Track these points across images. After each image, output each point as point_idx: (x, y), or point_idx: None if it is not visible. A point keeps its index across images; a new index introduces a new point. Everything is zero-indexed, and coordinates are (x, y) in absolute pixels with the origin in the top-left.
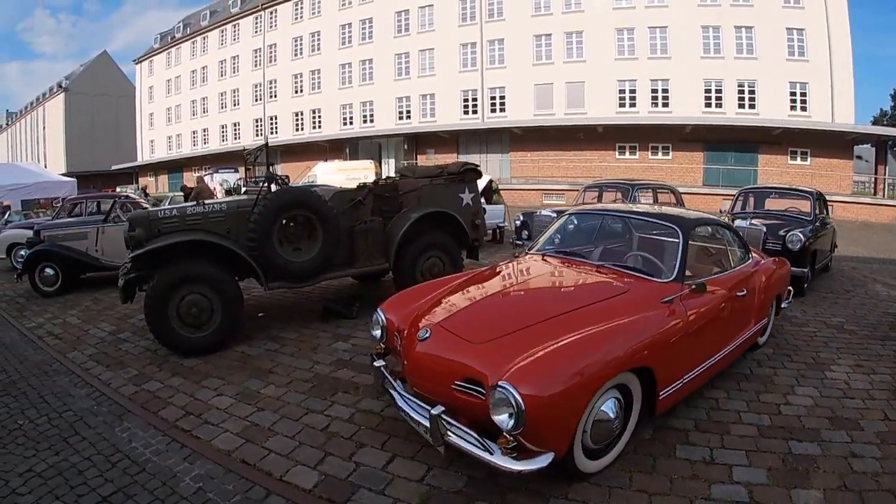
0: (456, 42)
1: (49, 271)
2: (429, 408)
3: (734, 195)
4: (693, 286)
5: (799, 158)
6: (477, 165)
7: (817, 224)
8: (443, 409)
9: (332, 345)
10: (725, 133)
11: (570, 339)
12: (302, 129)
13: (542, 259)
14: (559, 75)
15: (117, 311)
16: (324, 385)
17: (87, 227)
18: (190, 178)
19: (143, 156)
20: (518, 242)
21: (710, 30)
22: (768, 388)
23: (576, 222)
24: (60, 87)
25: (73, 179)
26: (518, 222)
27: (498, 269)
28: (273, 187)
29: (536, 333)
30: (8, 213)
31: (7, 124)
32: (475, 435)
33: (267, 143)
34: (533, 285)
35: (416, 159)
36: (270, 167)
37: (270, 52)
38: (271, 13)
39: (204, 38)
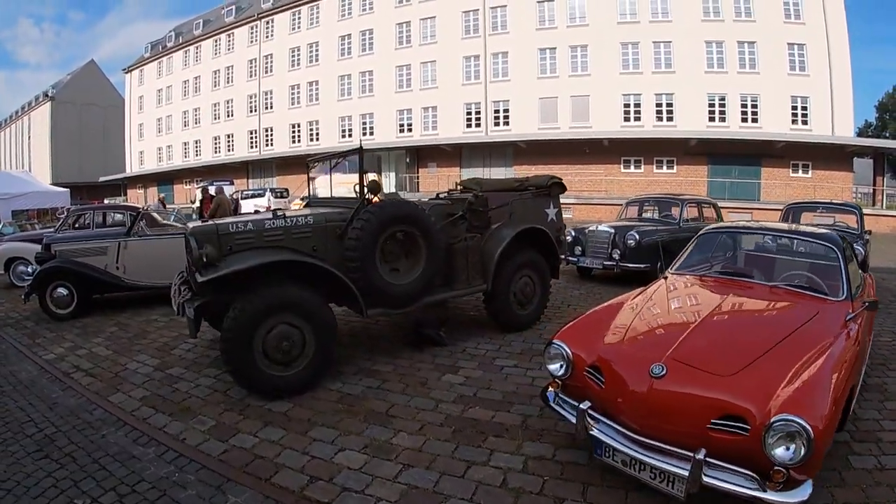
0: (459, 55)
1: (62, 291)
2: (687, 452)
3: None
4: (866, 303)
5: (801, 171)
6: (560, 179)
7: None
8: (705, 451)
9: (443, 378)
10: (729, 146)
11: (807, 365)
12: (299, 141)
13: (701, 280)
14: (564, 89)
15: (152, 340)
16: (466, 429)
17: (107, 241)
18: (181, 190)
19: (132, 167)
20: (572, 259)
21: (713, 45)
22: (887, 396)
23: (715, 240)
24: (47, 95)
25: (66, 190)
26: (569, 238)
27: (661, 291)
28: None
29: (775, 361)
30: (2, 224)
31: None
32: (751, 473)
33: (361, 148)
34: (726, 309)
35: (418, 173)
36: (365, 173)
37: (266, 63)
38: (267, 23)
39: (197, 48)
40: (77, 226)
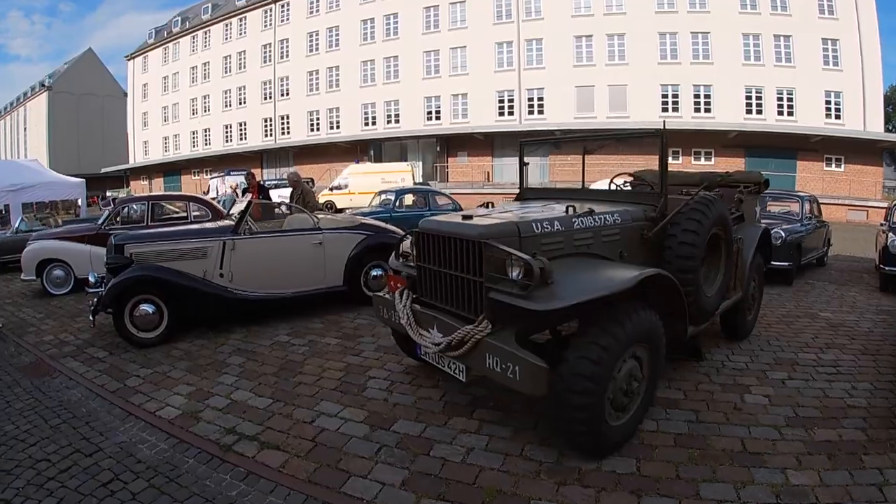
0: (491, 41)
1: (147, 308)
2: None
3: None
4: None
5: (834, 165)
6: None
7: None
8: None
9: (746, 399)
10: (766, 139)
11: None
12: (318, 129)
13: None
14: (601, 77)
15: (317, 376)
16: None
17: (208, 240)
18: (189, 181)
19: (136, 157)
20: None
21: (750, 37)
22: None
23: None
24: (43, 85)
25: (81, 180)
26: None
27: None
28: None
29: None
30: (20, 219)
31: None
32: None
33: (664, 130)
34: None
35: (447, 162)
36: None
37: (282, 48)
38: (283, 6)
39: (206, 33)
40: (122, 220)
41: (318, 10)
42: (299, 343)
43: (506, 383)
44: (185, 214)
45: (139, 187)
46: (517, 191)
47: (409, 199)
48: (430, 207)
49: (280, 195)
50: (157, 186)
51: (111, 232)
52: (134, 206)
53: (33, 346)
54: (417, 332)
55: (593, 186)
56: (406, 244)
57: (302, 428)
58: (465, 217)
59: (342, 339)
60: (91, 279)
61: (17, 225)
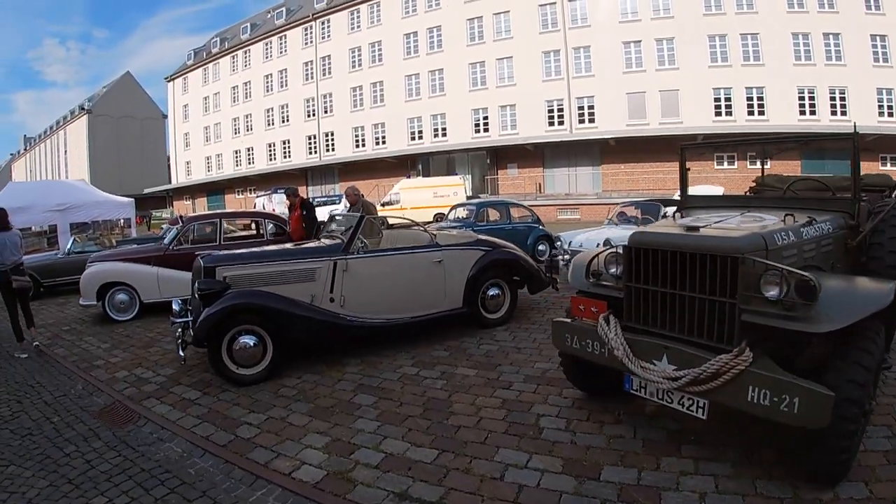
0: (537, 50)
1: (248, 341)
2: None
3: None
4: None
5: (889, 164)
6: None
7: None
8: None
9: None
10: (821, 140)
11: None
12: (363, 145)
13: None
14: (652, 83)
15: (473, 416)
16: None
17: (317, 260)
18: (232, 200)
19: (179, 177)
20: None
21: (799, 36)
22: None
23: None
24: (83, 108)
25: (130, 200)
26: None
27: None
28: None
29: None
30: (72, 240)
31: (25, 149)
32: None
33: (856, 133)
34: None
35: (497, 174)
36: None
37: (324, 65)
38: (323, 24)
39: (245, 52)
40: (193, 241)
41: (359, 27)
42: (431, 375)
43: (773, 417)
44: (257, 232)
45: (182, 207)
46: (570, 201)
47: (491, 213)
48: (509, 220)
49: (331, 211)
50: (201, 206)
51: (178, 252)
52: (203, 225)
53: (106, 384)
54: (638, 364)
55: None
56: (598, 261)
57: (494, 486)
58: (689, 228)
59: (478, 368)
60: (175, 307)
61: (68, 246)
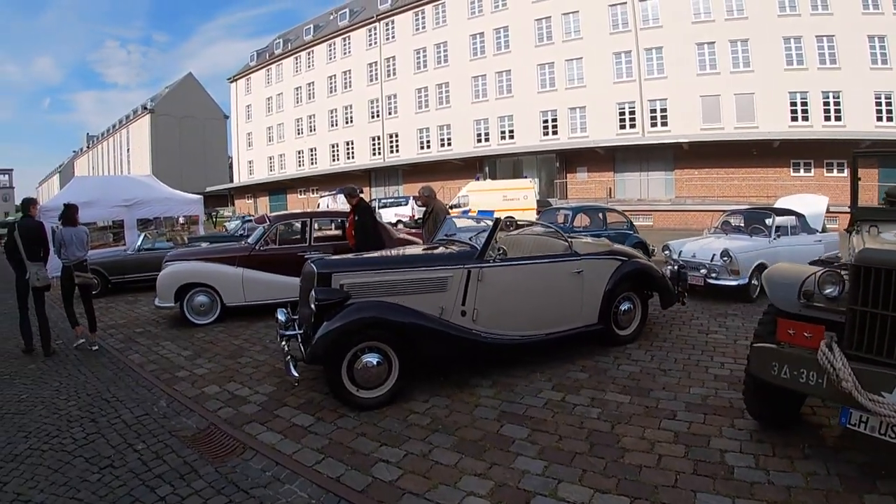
0: (608, 51)
1: (371, 360)
2: None
3: None
4: None
5: None
6: None
7: None
8: None
9: None
10: None
11: None
12: (428, 146)
13: None
14: (726, 86)
15: (648, 452)
16: None
17: (448, 268)
18: (295, 200)
19: (241, 177)
20: None
21: (875, 39)
22: None
23: None
24: (145, 108)
25: (198, 196)
26: None
27: None
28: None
29: None
30: (142, 237)
31: (88, 147)
32: None
33: None
34: None
35: (566, 177)
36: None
37: (388, 66)
38: (387, 25)
39: (309, 54)
40: (279, 241)
41: (424, 27)
42: (580, 402)
43: None
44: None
45: (244, 206)
46: (643, 207)
47: (583, 218)
48: (604, 226)
49: (396, 213)
50: (263, 205)
51: (265, 252)
52: (291, 224)
53: (195, 401)
54: (867, 397)
55: (781, 203)
56: (811, 280)
57: None
58: None
59: (629, 394)
60: (281, 317)
61: (138, 243)
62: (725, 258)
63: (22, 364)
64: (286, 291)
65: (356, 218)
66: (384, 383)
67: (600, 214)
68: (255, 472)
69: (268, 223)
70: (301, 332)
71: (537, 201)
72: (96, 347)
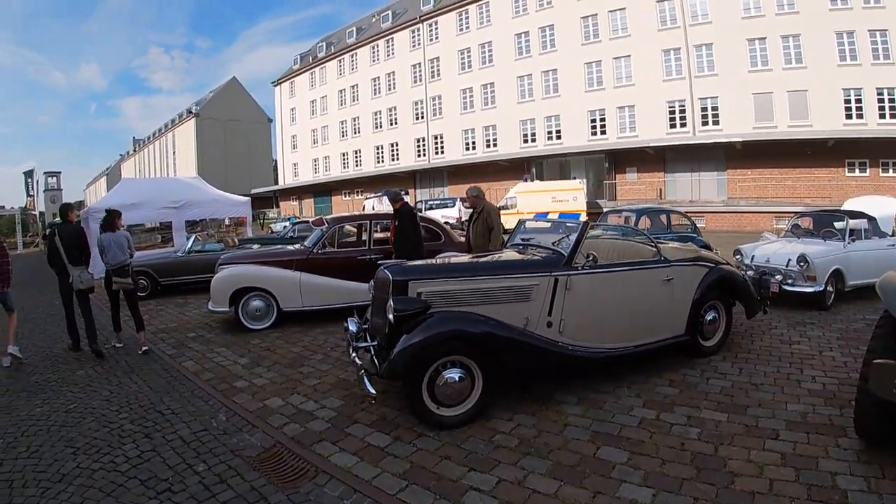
0: (657, 48)
1: (454, 375)
2: None
3: None
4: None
5: None
6: None
7: None
8: None
9: None
10: None
11: None
12: (473, 147)
13: None
14: (779, 83)
15: (759, 478)
16: None
17: (534, 275)
18: (339, 202)
19: (286, 179)
20: None
21: None
22: None
23: None
24: (190, 112)
25: (247, 199)
26: None
27: None
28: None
29: None
30: (192, 238)
31: (134, 150)
32: None
33: None
34: None
35: (615, 178)
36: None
37: (432, 67)
38: (430, 26)
39: (352, 56)
40: (338, 244)
41: (468, 27)
42: (676, 420)
43: None
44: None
45: (288, 208)
46: (695, 208)
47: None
48: (668, 229)
49: (443, 215)
50: (308, 207)
51: (323, 256)
52: (350, 227)
53: (256, 415)
54: None
55: (849, 205)
56: None
57: None
58: None
59: (725, 410)
60: (352, 327)
61: (188, 245)
62: (802, 263)
63: (70, 370)
64: (344, 296)
65: (397, 223)
66: (466, 400)
67: (664, 216)
68: (332, 500)
69: (326, 226)
70: (374, 343)
71: (586, 204)
72: (146, 348)
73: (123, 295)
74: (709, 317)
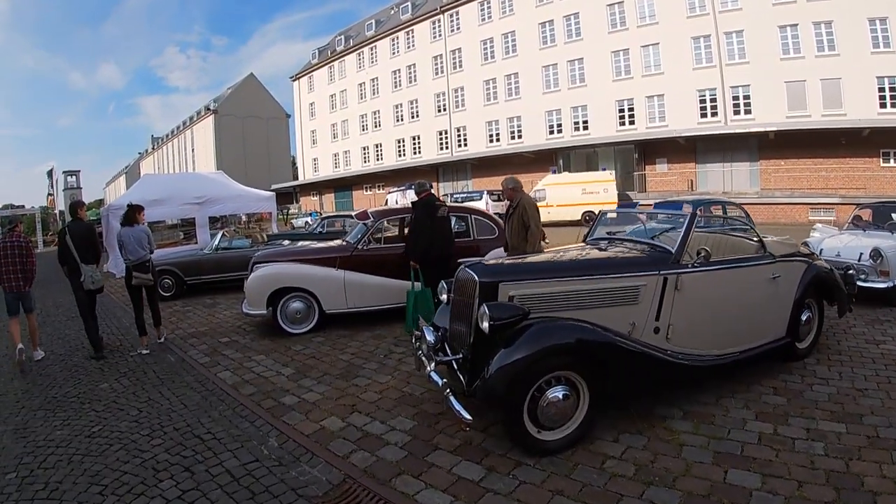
0: (686, 35)
1: (558, 394)
2: None
3: None
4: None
5: None
6: None
7: None
8: None
9: None
10: None
11: None
12: (498, 139)
13: None
14: (812, 71)
15: None
16: None
17: (641, 275)
18: (360, 196)
19: (306, 174)
20: None
21: None
22: None
23: None
24: (209, 109)
25: (271, 193)
26: None
27: None
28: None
29: None
30: (219, 235)
31: (153, 148)
32: None
33: None
34: None
35: (645, 169)
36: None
37: (454, 58)
38: (451, 16)
39: (371, 49)
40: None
41: (490, 17)
42: (795, 435)
43: None
44: (460, 230)
45: (309, 203)
46: (727, 199)
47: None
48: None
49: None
50: (328, 202)
51: (368, 253)
52: (396, 221)
53: (315, 440)
54: None
55: None
56: None
57: None
58: None
59: (839, 420)
60: (429, 337)
61: (216, 242)
62: (876, 258)
63: (93, 382)
64: (393, 296)
65: (413, 217)
66: (570, 421)
67: (721, 209)
68: None
69: (371, 220)
70: (459, 356)
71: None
72: (162, 340)
73: (145, 293)
74: (804, 317)
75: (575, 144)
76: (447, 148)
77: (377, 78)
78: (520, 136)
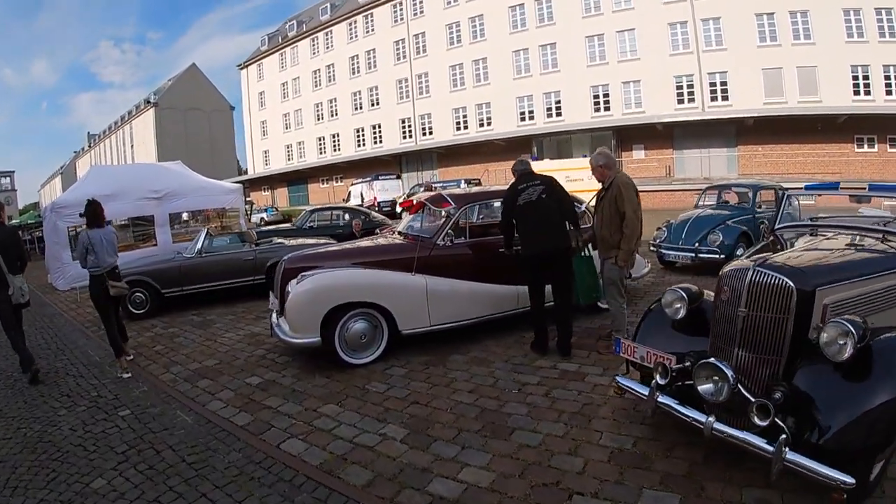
0: (663, 21)
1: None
2: None
3: None
4: None
5: None
6: None
7: None
8: None
9: None
10: None
11: None
12: (465, 127)
13: None
14: (788, 59)
15: None
16: None
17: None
18: (317, 190)
19: (256, 168)
20: None
21: None
22: None
23: None
24: (148, 102)
25: (238, 185)
26: None
27: None
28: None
29: None
30: (204, 234)
31: (89, 146)
32: None
33: None
34: None
35: (622, 156)
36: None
37: (418, 43)
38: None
39: (327, 34)
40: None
41: (456, 1)
42: None
43: None
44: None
45: (260, 198)
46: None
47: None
48: (753, 205)
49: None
50: (282, 196)
51: (452, 250)
52: (481, 208)
53: None
54: None
55: None
56: None
57: None
58: None
59: None
60: (708, 388)
61: (200, 244)
62: None
63: (41, 429)
64: (488, 306)
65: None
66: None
67: (750, 192)
68: None
69: (453, 206)
70: (777, 400)
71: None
72: (128, 375)
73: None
74: None
75: (549, 131)
76: (411, 136)
77: (333, 64)
78: (489, 124)
